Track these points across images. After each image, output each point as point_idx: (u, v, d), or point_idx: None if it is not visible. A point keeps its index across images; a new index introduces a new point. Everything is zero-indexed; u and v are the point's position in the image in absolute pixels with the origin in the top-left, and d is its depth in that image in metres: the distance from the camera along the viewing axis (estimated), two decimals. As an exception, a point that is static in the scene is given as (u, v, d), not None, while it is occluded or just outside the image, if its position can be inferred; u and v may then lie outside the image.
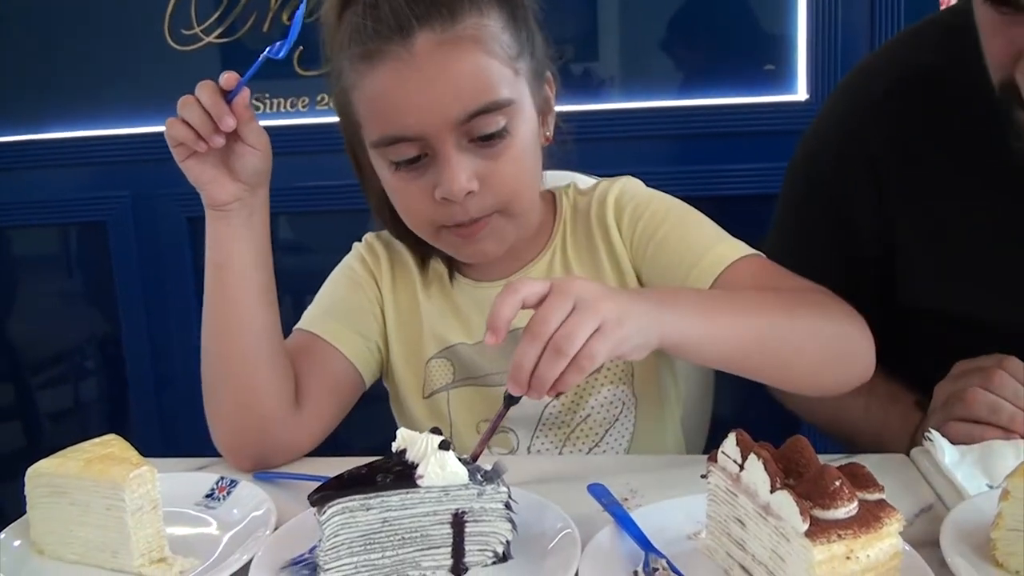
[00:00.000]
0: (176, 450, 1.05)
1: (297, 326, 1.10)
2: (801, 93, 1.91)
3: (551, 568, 0.73)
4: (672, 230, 1.05)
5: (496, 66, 0.93)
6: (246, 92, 0.91)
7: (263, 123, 0.96)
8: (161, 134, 0.93)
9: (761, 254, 1.01)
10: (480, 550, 0.76)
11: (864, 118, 1.08)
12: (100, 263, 2.20)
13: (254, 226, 0.99)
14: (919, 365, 1.08)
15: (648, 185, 1.13)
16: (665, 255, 1.04)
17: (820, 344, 0.92)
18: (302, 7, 0.92)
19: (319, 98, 2.00)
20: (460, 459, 0.75)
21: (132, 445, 0.84)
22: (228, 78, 0.91)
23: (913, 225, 1.07)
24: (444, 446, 0.74)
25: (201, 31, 2.01)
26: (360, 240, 1.19)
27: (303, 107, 2.03)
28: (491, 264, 1.08)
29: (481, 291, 1.10)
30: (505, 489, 0.75)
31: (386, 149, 0.96)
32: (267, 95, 2.02)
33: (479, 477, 0.74)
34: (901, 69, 1.07)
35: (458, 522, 0.75)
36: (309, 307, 1.13)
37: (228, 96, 0.91)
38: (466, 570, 0.76)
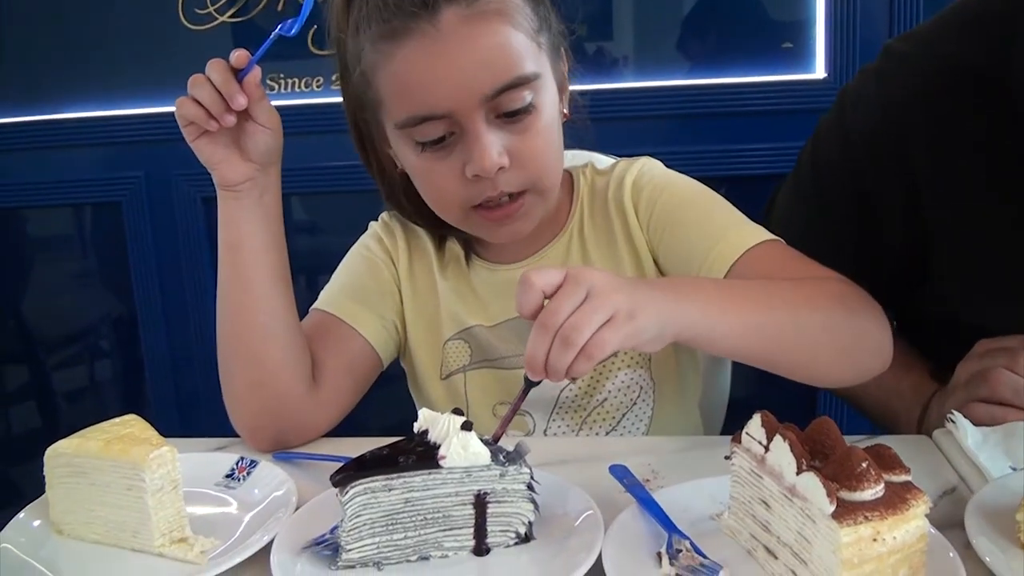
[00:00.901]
0: (193, 431, 1.05)
1: (314, 306, 1.10)
2: (819, 71, 1.89)
3: (574, 549, 0.72)
4: (690, 213, 1.03)
5: (522, 39, 0.92)
6: (257, 70, 0.90)
7: (277, 103, 0.96)
8: (175, 114, 0.93)
9: (780, 239, 0.99)
10: (503, 531, 0.76)
11: (895, 112, 1.03)
12: (115, 243, 2.21)
13: (266, 205, 0.98)
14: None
15: (664, 165, 1.12)
16: (682, 238, 1.03)
17: (839, 338, 0.90)
18: None
19: (333, 78, 1.98)
20: (482, 440, 0.75)
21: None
22: (239, 56, 0.90)
23: (948, 232, 1.03)
24: (467, 427, 0.73)
25: (215, 10, 2.01)
26: (376, 219, 1.18)
27: (317, 87, 2.02)
28: (507, 246, 1.07)
29: (498, 274, 1.10)
30: (527, 470, 0.75)
31: (412, 130, 0.94)
32: (281, 75, 2.01)
33: (501, 458, 0.74)
34: (935, 62, 1.01)
35: (480, 503, 0.74)
36: (326, 287, 1.12)
37: (239, 74, 0.90)
38: (489, 551, 0.76)
